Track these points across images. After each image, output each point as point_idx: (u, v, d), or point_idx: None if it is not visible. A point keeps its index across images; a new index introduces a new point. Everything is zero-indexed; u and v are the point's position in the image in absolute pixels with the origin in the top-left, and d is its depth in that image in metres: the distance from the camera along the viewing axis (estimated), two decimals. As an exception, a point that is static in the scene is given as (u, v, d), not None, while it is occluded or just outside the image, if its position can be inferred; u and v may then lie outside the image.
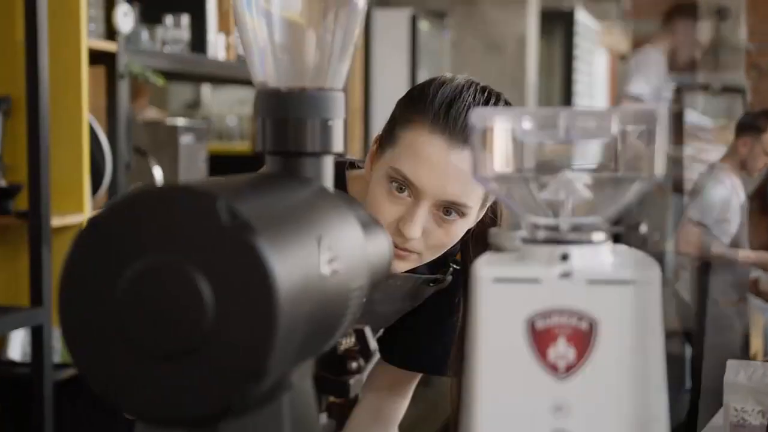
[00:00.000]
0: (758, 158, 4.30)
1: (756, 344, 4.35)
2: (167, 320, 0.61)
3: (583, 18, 7.40)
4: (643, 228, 3.25)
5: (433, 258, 1.30)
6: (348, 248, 0.74)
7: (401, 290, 1.42)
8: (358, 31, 0.84)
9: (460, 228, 1.27)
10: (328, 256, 0.70)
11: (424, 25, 5.52)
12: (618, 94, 4.53)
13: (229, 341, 0.61)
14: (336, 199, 0.78)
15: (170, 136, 3.02)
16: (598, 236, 0.70)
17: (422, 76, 6.01)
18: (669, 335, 4.18)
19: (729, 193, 4.28)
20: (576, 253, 0.69)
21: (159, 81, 2.69)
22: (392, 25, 5.23)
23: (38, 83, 2.32)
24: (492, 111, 0.72)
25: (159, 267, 0.61)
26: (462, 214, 1.25)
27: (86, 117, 2.46)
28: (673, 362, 4.13)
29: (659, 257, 4.40)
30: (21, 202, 2.37)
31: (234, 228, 0.61)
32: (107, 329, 0.62)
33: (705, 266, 4.31)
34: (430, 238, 1.26)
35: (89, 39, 2.51)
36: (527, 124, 0.71)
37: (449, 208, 1.24)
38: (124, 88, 2.61)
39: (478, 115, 0.70)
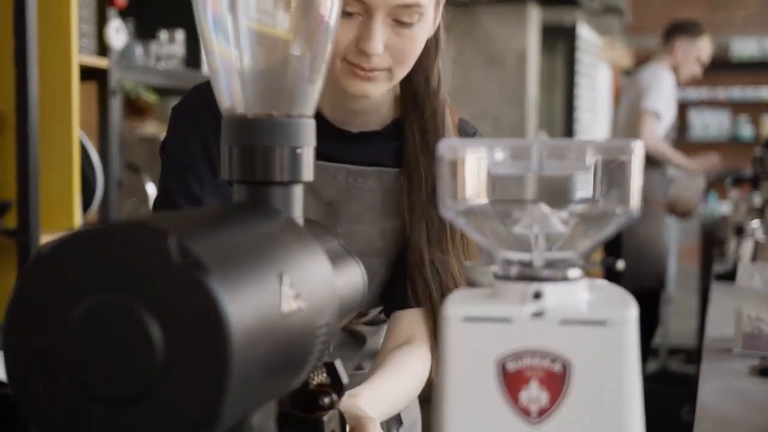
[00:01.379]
0: (691, 64, 4.53)
1: None
2: (115, 362, 0.58)
3: (585, 33, 7.38)
4: (620, 264, 3.22)
5: (406, 72, 1.26)
6: (314, 284, 0.71)
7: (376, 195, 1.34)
8: (328, 53, 0.82)
9: (420, 32, 1.23)
10: (291, 293, 0.67)
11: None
12: (628, 109, 4.51)
13: (180, 386, 0.57)
14: (303, 232, 0.75)
15: (165, 152, 2.98)
16: (574, 273, 0.67)
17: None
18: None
19: (672, 89, 4.43)
20: (550, 290, 0.66)
21: (151, 97, 2.66)
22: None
23: (28, 99, 2.29)
24: (462, 142, 0.69)
25: (107, 306, 0.58)
26: (419, 16, 1.20)
27: (77, 133, 2.44)
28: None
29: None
30: (10, 220, 2.34)
31: (185, 266, 0.58)
32: (53, 369, 0.59)
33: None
34: (394, 50, 1.22)
35: (81, 55, 2.48)
36: (499, 156, 0.68)
37: (404, 14, 1.20)
38: (115, 105, 2.59)
39: (446, 146, 0.68)
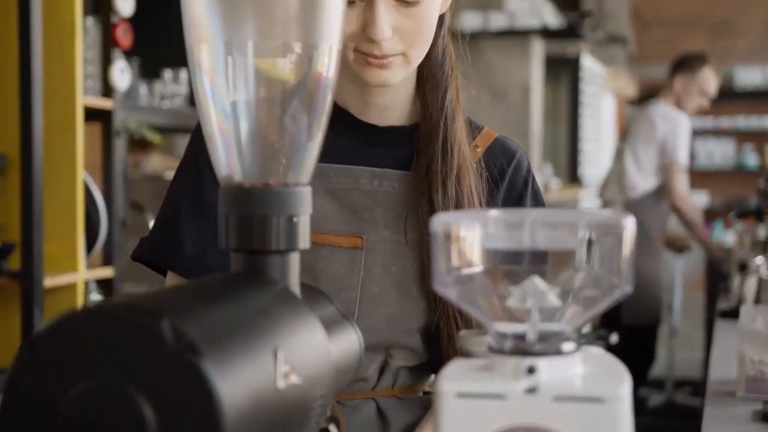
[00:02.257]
0: (694, 97, 4.50)
1: None
2: (109, 445, 0.58)
3: (588, 63, 7.40)
4: (614, 338, 3.22)
5: (422, 55, 1.18)
6: (309, 356, 0.71)
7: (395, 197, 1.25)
8: (323, 122, 0.82)
9: (429, 9, 1.16)
10: (286, 368, 0.67)
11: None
12: (659, 159, 4.48)
13: (174, 468, 0.58)
14: (298, 303, 0.75)
15: (169, 189, 3.00)
16: (568, 346, 0.67)
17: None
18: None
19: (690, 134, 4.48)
20: (543, 365, 0.66)
21: (155, 138, 2.68)
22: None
23: (32, 142, 2.31)
24: (455, 216, 0.69)
25: (101, 389, 0.59)
26: None
27: (81, 175, 2.45)
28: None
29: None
30: (14, 262, 2.35)
31: (179, 350, 0.58)
32: (48, 452, 0.60)
33: (644, 200, 4.40)
34: (404, 32, 1.15)
35: (86, 96, 2.50)
36: (491, 230, 0.68)
37: None
38: (120, 145, 2.60)
39: (439, 220, 0.68)
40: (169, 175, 3.22)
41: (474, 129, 1.30)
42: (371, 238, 1.21)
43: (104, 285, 2.68)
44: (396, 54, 1.16)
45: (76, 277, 2.46)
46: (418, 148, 1.24)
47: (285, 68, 0.79)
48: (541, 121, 5.84)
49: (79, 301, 2.46)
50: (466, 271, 0.69)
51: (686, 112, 4.51)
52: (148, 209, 2.93)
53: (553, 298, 0.68)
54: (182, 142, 3.77)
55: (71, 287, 2.47)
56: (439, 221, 0.68)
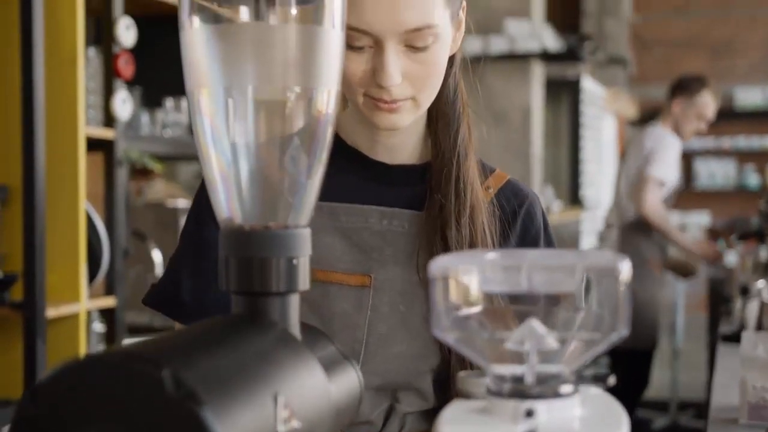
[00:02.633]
0: (691, 120, 4.48)
1: None
2: (110, 494, 0.59)
3: (589, 85, 7.43)
4: (611, 380, 3.20)
5: (432, 98, 1.18)
6: (309, 399, 0.71)
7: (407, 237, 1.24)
8: (323, 163, 0.83)
9: (439, 53, 1.15)
10: (286, 413, 0.67)
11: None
12: (635, 171, 4.50)
13: None
14: (298, 345, 0.76)
15: (172, 218, 3.02)
16: (566, 389, 0.68)
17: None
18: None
19: (678, 154, 4.43)
20: (542, 408, 0.66)
21: (157, 167, 2.69)
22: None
23: (35, 172, 2.32)
24: (453, 260, 0.70)
25: (103, 438, 0.59)
26: (433, 37, 1.12)
27: (83, 205, 2.46)
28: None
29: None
30: (16, 293, 2.35)
31: (179, 398, 0.59)
32: (50, 501, 0.60)
33: (639, 224, 4.39)
34: (413, 77, 1.14)
35: (88, 126, 2.51)
36: (489, 273, 0.69)
37: (416, 39, 1.12)
38: (122, 175, 2.61)
39: (437, 265, 0.69)
40: (172, 202, 3.24)
41: (486, 170, 1.29)
42: (380, 277, 1.20)
43: (106, 314, 2.69)
44: (405, 98, 1.16)
45: (79, 307, 2.47)
46: (430, 187, 1.24)
47: (284, 111, 0.80)
48: (542, 143, 5.85)
49: (82, 332, 2.47)
50: (464, 313, 0.70)
51: (684, 135, 4.51)
52: (150, 237, 2.94)
53: (551, 341, 0.68)
54: (184, 170, 3.79)
55: (73, 317, 2.47)
56: (437, 265, 0.69)
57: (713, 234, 9.82)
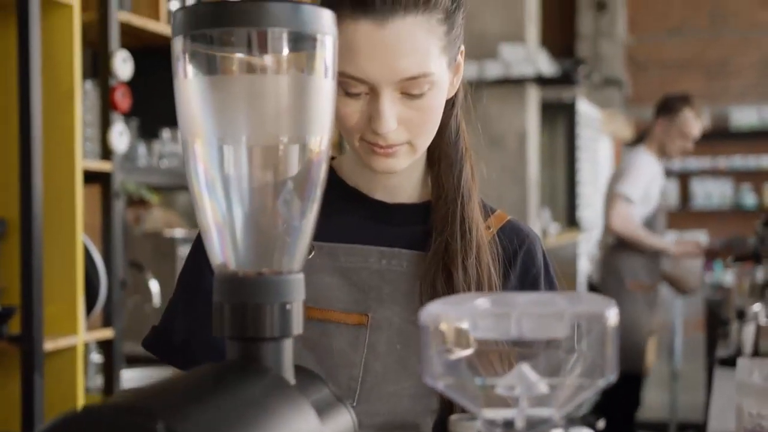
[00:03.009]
0: (674, 140, 4.44)
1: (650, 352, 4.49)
2: None
3: (584, 108, 7.46)
4: (601, 424, 3.21)
5: (429, 142, 1.18)
6: (302, 446, 0.72)
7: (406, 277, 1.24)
8: (315, 211, 0.84)
9: (435, 99, 1.15)
10: (279, 460, 0.68)
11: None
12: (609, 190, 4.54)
13: None
14: (291, 391, 0.76)
15: (169, 247, 3.02)
16: (556, 433, 0.69)
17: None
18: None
19: (653, 173, 4.38)
20: (532, 453, 0.67)
21: (154, 199, 2.71)
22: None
23: (32, 206, 2.33)
24: (444, 308, 0.71)
25: (98, 490, 0.60)
26: (429, 84, 1.13)
27: (80, 238, 2.47)
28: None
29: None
30: (14, 326, 2.36)
31: (174, 451, 0.60)
32: None
33: (619, 246, 4.36)
34: (410, 123, 1.14)
35: (85, 159, 2.53)
36: (479, 321, 0.70)
37: (412, 87, 1.12)
38: (119, 207, 2.63)
39: (428, 314, 0.70)
40: (169, 232, 3.25)
41: (486, 210, 1.30)
42: (377, 316, 1.21)
43: (104, 346, 2.69)
44: (401, 143, 1.16)
45: (76, 339, 2.47)
46: (435, 227, 1.24)
47: (277, 159, 0.81)
48: (538, 166, 5.87)
49: (80, 364, 2.47)
50: (455, 360, 0.71)
51: (670, 154, 4.49)
52: (148, 268, 2.94)
53: (541, 386, 0.69)
54: (181, 198, 3.80)
55: (71, 350, 2.48)
56: (429, 312, 0.70)
57: (710, 254, 9.85)
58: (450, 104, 1.23)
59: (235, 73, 0.81)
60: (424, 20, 1.11)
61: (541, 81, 5.45)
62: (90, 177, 2.58)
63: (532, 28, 5.53)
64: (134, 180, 2.69)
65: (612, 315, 0.68)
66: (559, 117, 7.15)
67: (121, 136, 2.62)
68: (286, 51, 0.79)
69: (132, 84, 2.74)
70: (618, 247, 4.41)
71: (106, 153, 2.61)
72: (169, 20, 2.96)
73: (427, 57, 1.12)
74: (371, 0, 1.09)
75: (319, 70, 0.80)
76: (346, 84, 1.13)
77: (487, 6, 5.32)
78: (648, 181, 4.37)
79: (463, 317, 0.70)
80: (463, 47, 1.22)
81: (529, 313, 0.69)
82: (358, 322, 1.20)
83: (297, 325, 0.81)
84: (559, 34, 9.67)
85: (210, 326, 1.03)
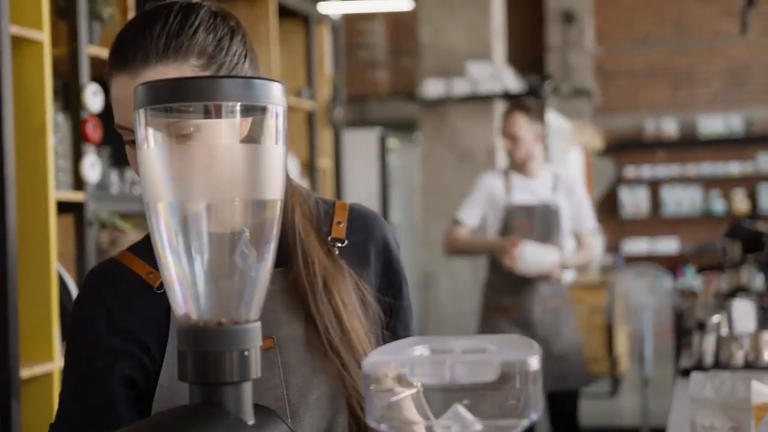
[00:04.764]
0: (503, 146, 4.14)
1: None
2: None
3: (553, 120, 7.56)
4: None
5: None
6: (260, 484, 0.80)
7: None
8: (269, 263, 0.91)
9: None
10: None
11: (393, 143, 5.66)
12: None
13: None
14: (250, 430, 0.84)
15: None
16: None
17: (394, 192, 6.15)
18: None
19: (486, 192, 4.10)
20: (466, 487, 0.75)
21: (126, 226, 2.77)
22: (362, 143, 5.39)
23: (6, 236, 2.39)
24: (383, 358, 0.78)
25: None
26: (195, 127, 1.10)
27: (55, 267, 2.53)
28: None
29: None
30: (-10, 355, 2.41)
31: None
32: None
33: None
34: None
35: (58, 191, 2.58)
36: (417, 368, 0.77)
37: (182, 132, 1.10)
38: (92, 236, 2.68)
39: (369, 362, 0.77)
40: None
41: (327, 207, 1.33)
42: (281, 336, 1.25)
43: (80, 371, 2.74)
44: None
45: (52, 366, 2.53)
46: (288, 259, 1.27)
47: (234, 218, 0.89)
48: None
49: (56, 390, 2.52)
50: (395, 403, 0.78)
51: (511, 161, 4.18)
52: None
53: (475, 425, 0.77)
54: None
55: (47, 377, 2.53)
56: (369, 362, 0.77)
57: (680, 260, 10.01)
58: None
59: (192, 142, 0.89)
60: (176, 66, 1.18)
61: (508, 97, 5.55)
62: (63, 207, 2.63)
63: (499, 46, 5.63)
64: (107, 208, 2.75)
65: (534, 360, 0.76)
66: (529, 129, 7.24)
67: (92, 167, 2.68)
68: (239, 121, 0.87)
69: (102, 113, 2.80)
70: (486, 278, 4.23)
71: (79, 183, 2.67)
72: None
73: None
74: (125, 56, 1.17)
75: (270, 137, 0.88)
76: (123, 134, 1.21)
77: (455, 24, 5.42)
78: (480, 198, 4.12)
79: (401, 366, 0.77)
80: None
81: (462, 360, 0.77)
82: (267, 347, 1.23)
83: (255, 369, 0.89)
84: (528, 46, 9.79)
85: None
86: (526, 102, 4.20)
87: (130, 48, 1.17)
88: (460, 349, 0.80)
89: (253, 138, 0.88)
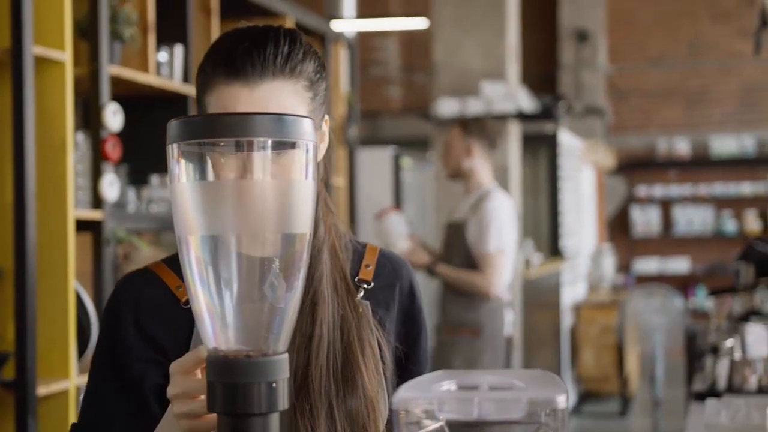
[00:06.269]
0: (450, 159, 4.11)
1: None
2: None
3: (566, 138, 7.58)
4: None
5: None
6: None
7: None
8: (298, 295, 0.92)
9: (295, 160, 1.18)
10: None
11: (406, 162, 5.67)
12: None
13: None
14: (277, 465, 0.85)
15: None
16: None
17: (407, 210, 6.17)
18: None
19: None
20: None
21: (143, 246, 2.79)
22: (376, 162, 5.41)
23: (26, 254, 2.41)
24: (412, 393, 0.79)
25: None
26: (292, 146, 1.17)
27: (72, 285, 2.54)
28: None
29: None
30: (8, 371, 2.43)
31: None
32: None
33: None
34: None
35: (76, 209, 2.60)
36: (445, 405, 0.78)
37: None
38: (109, 254, 2.70)
39: (398, 398, 0.78)
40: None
41: (358, 250, 1.35)
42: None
43: (95, 388, 2.76)
44: None
45: (68, 383, 2.54)
46: None
47: (263, 252, 0.90)
48: (521, 198, 5.97)
49: (72, 408, 2.54)
50: (423, 437, 0.79)
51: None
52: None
53: (500, 461, 0.78)
54: (170, 237, 3.88)
55: (63, 394, 2.55)
56: (399, 398, 0.78)
57: (692, 280, 9.98)
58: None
59: (224, 177, 0.90)
60: (291, 85, 1.20)
61: (522, 117, 5.56)
62: (81, 225, 2.66)
63: (513, 66, 5.65)
64: (124, 227, 2.77)
65: (562, 399, 0.77)
66: (542, 148, 7.26)
67: (111, 186, 2.70)
68: (270, 157, 0.88)
69: (122, 132, 2.82)
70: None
71: (97, 202, 2.70)
72: (158, 71, 3.05)
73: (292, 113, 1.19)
74: (242, 66, 1.18)
75: (300, 172, 0.89)
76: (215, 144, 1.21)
77: (470, 44, 5.44)
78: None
79: (430, 402, 0.78)
80: (327, 117, 1.30)
81: (490, 397, 0.78)
82: None
83: (282, 401, 0.90)
84: (542, 64, 9.81)
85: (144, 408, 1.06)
86: (469, 120, 4.26)
87: (246, 60, 1.18)
88: (488, 385, 0.81)
89: (283, 173, 0.90)
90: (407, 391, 0.80)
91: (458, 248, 4.00)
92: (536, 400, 0.77)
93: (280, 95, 1.19)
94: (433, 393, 0.79)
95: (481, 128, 4.08)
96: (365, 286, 1.30)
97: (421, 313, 1.37)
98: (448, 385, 0.81)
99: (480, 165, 4.06)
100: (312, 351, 1.22)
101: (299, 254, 0.91)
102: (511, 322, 4.17)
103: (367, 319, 1.28)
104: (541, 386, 0.79)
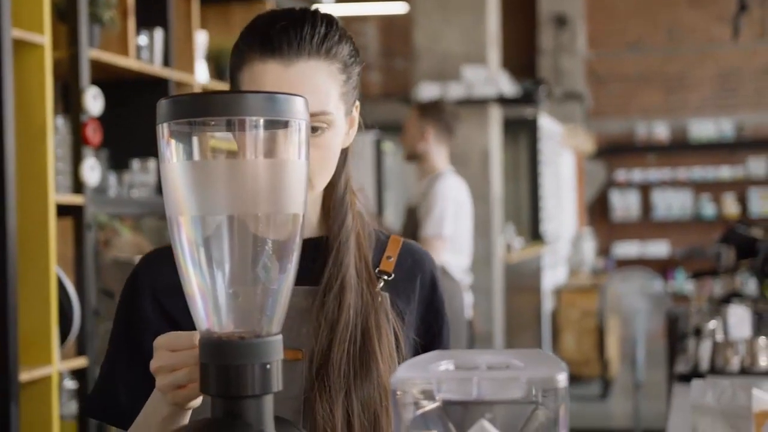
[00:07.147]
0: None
1: None
2: None
3: (546, 123, 7.58)
4: None
5: (326, 181, 1.24)
6: (283, 498, 0.80)
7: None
8: (291, 276, 0.91)
9: (332, 140, 1.22)
10: None
11: (388, 146, 5.67)
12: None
13: None
14: (272, 446, 0.84)
15: (139, 274, 3.06)
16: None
17: (389, 196, 6.16)
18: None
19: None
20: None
21: (124, 230, 2.76)
22: (357, 147, 5.36)
23: (6, 240, 2.38)
24: (410, 373, 0.79)
25: None
26: (328, 124, 1.20)
27: (54, 270, 2.52)
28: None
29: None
30: (-11, 359, 2.40)
31: None
32: None
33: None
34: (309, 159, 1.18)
35: (57, 193, 2.58)
36: (444, 385, 0.77)
37: (311, 121, 1.12)
38: (90, 239, 2.68)
39: (396, 378, 0.77)
40: (137, 259, 3.29)
41: (381, 241, 1.34)
42: (308, 350, 1.24)
43: (78, 374, 2.74)
44: None
45: (51, 369, 2.52)
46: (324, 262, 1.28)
47: (256, 233, 0.89)
48: (502, 184, 5.97)
49: (54, 393, 2.52)
50: (420, 419, 0.78)
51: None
52: (118, 294, 2.99)
53: (499, 440, 0.77)
54: (150, 224, 3.85)
55: (46, 380, 2.53)
56: (397, 378, 0.78)
57: (671, 264, 10.04)
58: (343, 158, 1.29)
59: (215, 157, 0.89)
60: (326, 65, 1.21)
61: (503, 101, 5.55)
62: (62, 210, 2.63)
63: (494, 50, 5.64)
64: (105, 211, 2.74)
65: (562, 378, 0.76)
66: (522, 133, 7.27)
67: (92, 171, 2.67)
68: (261, 136, 0.87)
69: (102, 116, 2.79)
70: None
71: (78, 187, 2.67)
72: (138, 55, 3.02)
73: (327, 98, 1.21)
74: (279, 45, 1.18)
75: (293, 152, 0.88)
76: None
77: (450, 29, 5.43)
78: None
79: (428, 382, 0.77)
80: (358, 103, 1.31)
81: (488, 377, 0.77)
82: (294, 358, 1.22)
83: (276, 382, 0.89)
84: (521, 50, 9.80)
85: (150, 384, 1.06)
86: (426, 104, 4.24)
87: (283, 38, 1.18)
88: (486, 365, 0.80)
89: (275, 152, 0.89)
90: (405, 371, 0.79)
91: (412, 232, 3.97)
92: (535, 379, 0.76)
93: (314, 74, 1.19)
94: (431, 373, 0.78)
95: (437, 112, 4.05)
96: (385, 277, 1.30)
97: (443, 305, 1.36)
98: (446, 365, 0.80)
99: (434, 149, 4.04)
100: (336, 334, 1.22)
101: (292, 235, 0.90)
102: (470, 304, 4.16)
103: (385, 309, 1.27)
104: (540, 365, 0.79)
